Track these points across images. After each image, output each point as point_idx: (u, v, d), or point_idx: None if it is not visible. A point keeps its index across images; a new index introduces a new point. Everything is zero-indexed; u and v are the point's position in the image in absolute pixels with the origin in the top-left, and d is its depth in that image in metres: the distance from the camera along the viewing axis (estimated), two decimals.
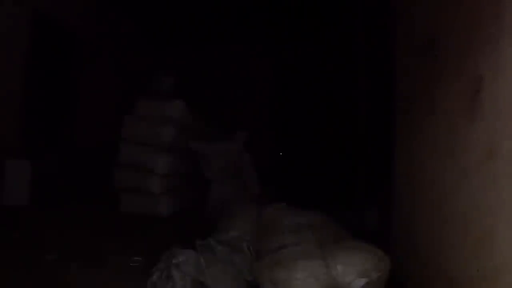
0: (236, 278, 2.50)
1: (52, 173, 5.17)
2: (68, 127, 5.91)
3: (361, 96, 5.63)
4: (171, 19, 7.63)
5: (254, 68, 8.73)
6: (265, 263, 2.38)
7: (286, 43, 8.19)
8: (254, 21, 7.71)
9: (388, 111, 3.37)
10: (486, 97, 1.79)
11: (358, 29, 5.71)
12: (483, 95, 1.81)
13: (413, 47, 2.79)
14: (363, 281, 2.15)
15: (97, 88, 6.46)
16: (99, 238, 3.53)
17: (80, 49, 6.01)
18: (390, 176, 3.18)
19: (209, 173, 5.20)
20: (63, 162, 5.52)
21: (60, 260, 2.83)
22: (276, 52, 8.51)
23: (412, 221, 2.71)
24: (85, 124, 6.17)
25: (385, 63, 3.64)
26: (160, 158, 4.78)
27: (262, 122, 8.47)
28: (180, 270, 2.32)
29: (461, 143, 2.02)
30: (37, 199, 4.49)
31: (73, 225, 3.93)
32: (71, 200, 4.90)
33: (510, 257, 1.57)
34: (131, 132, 4.91)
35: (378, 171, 4.33)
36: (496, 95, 1.72)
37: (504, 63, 1.66)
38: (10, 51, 4.60)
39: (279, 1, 6.81)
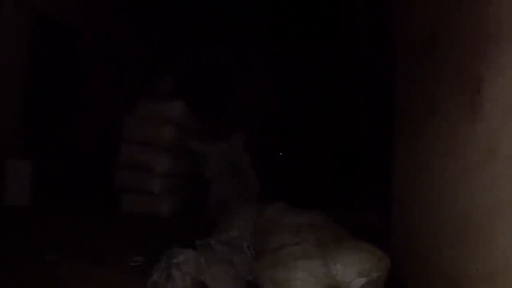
0: (236, 278, 2.50)
1: (53, 173, 5.17)
2: (68, 127, 5.91)
3: (361, 96, 5.64)
4: (172, 20, 7.64)
5: (254, 68, 8.74)
6: (265, 263, 2.38)
7: (286, 42, 8.20)
8: (254, 22, 7.72)
9: (388, 111, 3.38)
10: (486, 97, 1.79)
11: (359, 29, 5.71)
12: (483, 95, 1.81)
13: (414, 47, 2.80)
14: (362, 280, 2.15)
15: (97, 88, 6.46)
16: (99, 238, 3.53)
17: (80, 49, 6.01)
18: (390, 176, 3.18)
19: (209, 173, 5.20)
20: (64, 162, 5.52)
21: (60, 260, 2.83)
22: (276, 52, 8.52)
23: (412, 221, 2.71)
24: (85, 124, 6.18)
25: (385, 63, 3.64)
26: (160, 158, 4.78)
27: (262, 122, 8.47)
28: (180, 270, 2.32)
29: (461, 143, 2.02)
30: (38, 199, 4.49)
31: (73, 225, 3.93)
32: (72, 200, 4.90)
33: (510, 257, 1.57)
34: (131, 132, 4.91)
35: (378, 171, 4.34)
36: (496, 95, 1.72)
37: (504, 63, 1.67)
38: (10, 51, 4.60)
39: (279, 1, 6.82)
